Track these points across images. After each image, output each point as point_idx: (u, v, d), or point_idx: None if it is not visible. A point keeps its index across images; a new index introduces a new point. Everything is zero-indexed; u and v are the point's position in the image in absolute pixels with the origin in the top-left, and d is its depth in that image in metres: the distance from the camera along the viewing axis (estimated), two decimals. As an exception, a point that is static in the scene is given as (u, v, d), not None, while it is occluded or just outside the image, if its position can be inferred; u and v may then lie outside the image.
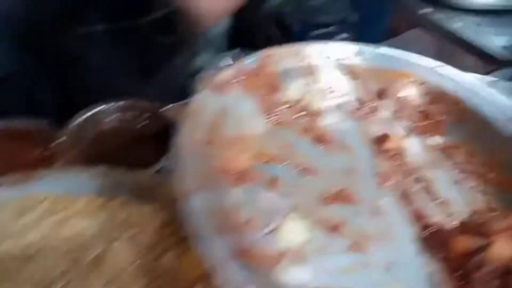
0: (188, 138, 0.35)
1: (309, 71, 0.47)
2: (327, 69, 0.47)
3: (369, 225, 0.37)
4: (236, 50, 1.19)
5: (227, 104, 0.40)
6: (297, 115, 0.46)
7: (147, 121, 0.78)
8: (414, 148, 0.45)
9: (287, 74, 0.46)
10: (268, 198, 0.38)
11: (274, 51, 0.45)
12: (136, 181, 0.50)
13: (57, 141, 0.56)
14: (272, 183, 0.39)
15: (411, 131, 0.46)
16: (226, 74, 0.41)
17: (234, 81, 0.42)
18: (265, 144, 0.43)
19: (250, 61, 0.43)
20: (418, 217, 0.38)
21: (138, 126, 0.73)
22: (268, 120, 0.45)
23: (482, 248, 0.33)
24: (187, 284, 0.42)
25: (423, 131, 0.46)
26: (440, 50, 1.32)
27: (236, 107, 0.41)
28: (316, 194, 0.39)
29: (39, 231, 0.46)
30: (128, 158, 0.56)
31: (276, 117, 0.45)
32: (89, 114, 0.67)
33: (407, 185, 0.41)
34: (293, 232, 0.35)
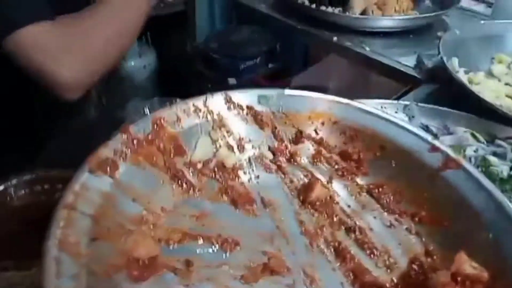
0: (61, 241, 0.27)
1: (215, 126, 0.42)
2: (233, 121, 0.43)
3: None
4: (154, 99, 1.13)
5: (117, 184, 0.34)
6: (210, 176, 0.41)
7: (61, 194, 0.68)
8: (340, 194, 0.41)
9: (190, 133, 0.41)
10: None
11: (167, 111, 0.39)
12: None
13: None
14: (185, 268, 0.33)
15: (333, 175, 0.43)
16: (110, 147, 0.35)
17: (123, 154, 0.35)
18: (175, 219, 0.37)
19: (140, 127, 0.37)
20: (357, 275, 0.34)
21: (50, 200, 0.64)
22: (176, 189, 0.39)
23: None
24: None
25: (345, 174, 0.42)
26: (355, 72, 1.36)
27: (130, 184, 0.35)
28: (239, 274, 0.33)
29: None
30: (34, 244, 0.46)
31: (185, 183, 0.39)
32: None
33: (339, 239, 0.37)
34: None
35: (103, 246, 0.31)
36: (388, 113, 0.44)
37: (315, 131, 0.44)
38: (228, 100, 0.42)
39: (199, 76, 1.78)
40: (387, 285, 0.33)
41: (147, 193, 0.36)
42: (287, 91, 0.44)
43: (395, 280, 0.33)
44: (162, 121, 0.39)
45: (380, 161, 0.41)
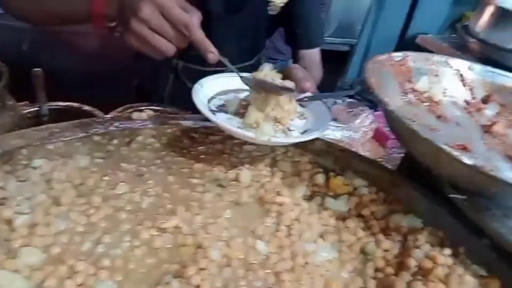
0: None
1: (435, 73, 0.64)
2: (447, 75, 0.65)
3: (484, 164, 0.51)
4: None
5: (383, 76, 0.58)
6: (422, 100, 0.63)
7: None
8: (513, 136, 0.59)
9: (418, 71, 0.64)
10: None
11: (412, 53, 0.63)
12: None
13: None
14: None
15: (510, 126, 0.61)
16: (383, 57, 0.60)
17: (387, 64, 0.60)
18: (402, 111, 0.59)
19: (397, 55, 0.62)
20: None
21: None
22: (403, 98, 0.62)
23: None
24: (334, 194, 0.56)
25: (520, 128, 0.60)
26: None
27: (387, 82, 0.59)
28: (443, 142, 0.54)
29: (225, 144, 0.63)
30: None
31: (408, 98, 0.62)
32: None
33: (510, 152, 0.55)
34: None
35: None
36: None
37: (502, 97, 0.63)
38: (446, 60, 0.65)
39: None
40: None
41: (391, 94, 0.60)
42: (490, 68, 0.65)
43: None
44: (408, 57, 0.63)
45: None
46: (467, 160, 0.39)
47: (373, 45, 2.59)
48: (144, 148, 0.60)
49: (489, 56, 1.11)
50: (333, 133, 1.19)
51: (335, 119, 1.31)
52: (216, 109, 0.58)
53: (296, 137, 0.56)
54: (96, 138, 0.59)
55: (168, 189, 0.52)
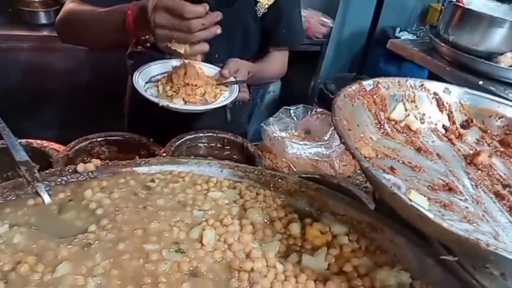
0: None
1: (410, 99, 0.59)
2: (423, 100, 0.60)
3: (473, 208, 0.46)
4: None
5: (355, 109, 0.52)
6: (399, 131, 0.58)
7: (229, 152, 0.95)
8: (497, 165, 0.54)
9: (393, 98, 0.58)
10: (390, 177, 0.47)
11: (384, 79, 0.58)
12: (259, 173, 0.61)
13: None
14: (390, 170, 0.49)
15: (493, 153, 0.56)
16: (352, 88, 0.54)
17: (358, 95, 0.54)
18: (379, 145, 0.54)
19: (368, 83, 0.56)
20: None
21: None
22: (379, 131, 0.56)
23: None
24: (312, 247, 0.50)
25: (503, 155, 0.56)
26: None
27: (359, 115, 0.53)
28: (426, 184, 0.49)
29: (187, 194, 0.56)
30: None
31: (384, 129, 0.57)
32: (184, 138, 0.84)
33: (498, 188, 0.50)
34: (418, 200, 0.44)
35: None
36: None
37: (482, 121, 0.59)
38: (423, 84, 0.60)
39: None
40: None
41: (367, 125, 0.54)
42: (467, 90, 0.60)
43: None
44: (379, 84, 0.57)
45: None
46: (461, 231, 0.33)
47: (343, 42, 2.57)
48: (92, 207, 0.52)
49: (459, 60, 1.08)
50: (309, 150, 1.14)
51: (308, 132, 1.26)
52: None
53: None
54: (32, 201, 0.50)
55: (117, 263, 0.45)
